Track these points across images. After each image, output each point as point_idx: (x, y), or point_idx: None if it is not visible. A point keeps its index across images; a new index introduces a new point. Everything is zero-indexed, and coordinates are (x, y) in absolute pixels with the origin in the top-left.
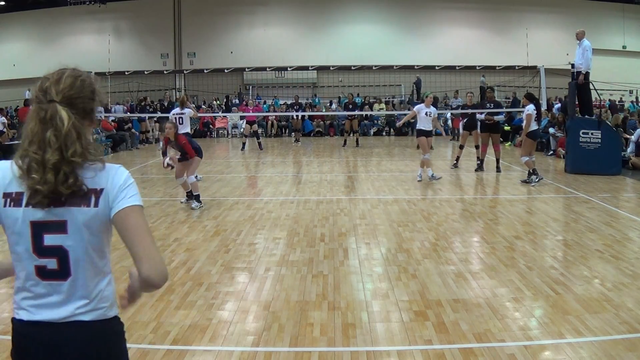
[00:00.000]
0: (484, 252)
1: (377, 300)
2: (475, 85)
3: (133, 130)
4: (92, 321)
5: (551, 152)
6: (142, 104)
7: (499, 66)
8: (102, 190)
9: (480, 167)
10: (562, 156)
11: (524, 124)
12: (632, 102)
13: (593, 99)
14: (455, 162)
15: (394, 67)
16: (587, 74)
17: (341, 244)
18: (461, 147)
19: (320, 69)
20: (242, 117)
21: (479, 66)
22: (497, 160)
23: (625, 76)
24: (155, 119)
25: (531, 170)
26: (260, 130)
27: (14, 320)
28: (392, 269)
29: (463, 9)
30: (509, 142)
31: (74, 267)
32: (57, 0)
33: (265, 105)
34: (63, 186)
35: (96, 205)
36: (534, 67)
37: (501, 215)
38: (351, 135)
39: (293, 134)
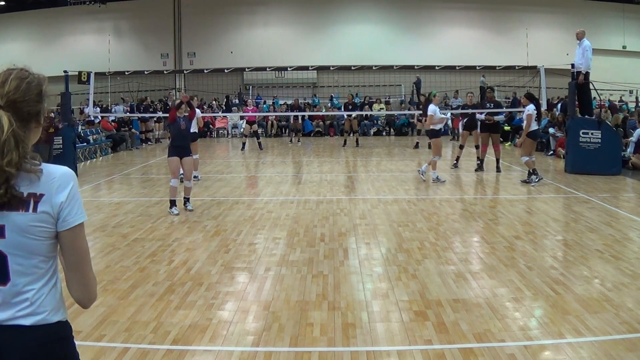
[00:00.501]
0: (484, 252)
1: (377, 300)
2: (475, 85)
3: (133, 130)
4: (32, 326)
5: (551, 152)
6: (144, 104)
7: (499, 66)
8: (42, 195)
9: (480, 167)
10: (562, 156)
11: (524, 124)
12: (627, 102)
13: (593, 99)
14: (455, 162)
15: (394, 67)
16: (587, 74)
17: (341, 244)
18: (461, 147)
19: (320, 69)
20: (242, 117)
21: (479, 66)
22: (497, 160)
23: (625, 76)
24: (155, 118)
25: (531, 170)
26: (260, 130)
27: None
28: (392, 269)
29: (463, 9)
30: (509, 142)
31: (13, 272)
32: (57, 0)
33: (265, 105)
34: None
35: (35, 210)
36: (534, 67)
37: (501, 215)
38: (351, 135)
39: (292, 133)
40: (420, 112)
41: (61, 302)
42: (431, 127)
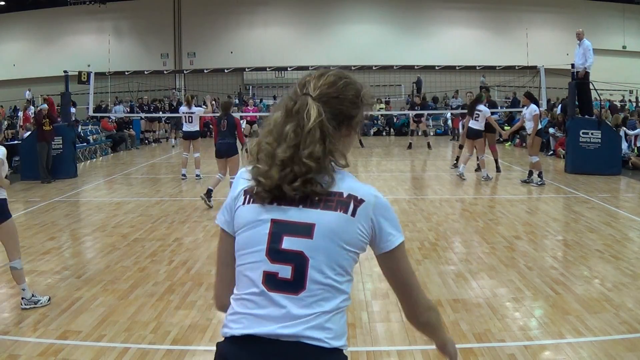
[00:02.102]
0: (484, 252)
1: (377, 300)
2: (475, 85)
3: (132, 130)
4: (308, 345)
5: (551, 152)
6: (154, 104)
7: (499, 66)
8: (362, 200)
9: (480, 168)
10: (562, 156)
11: (527, 124)
12: (627, 101)
13: (593, 99)
14: (455, 162)
15: (394, 67)
16: (587, 74)
17: None
18: (461, 147)
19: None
20: (242, 117)
21: (479, 66)
22: (496, 161)
23: (625, 76)
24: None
25: (538, 172)
26: (260, 130)
27: (219, 343)
28: None
29: (463, 9)
30: (509, 142)
31: (310, 281)
32: (57, 0)
33: (263, 103)
34: (288, 186)
35: (354, 214)
36: (534, 67)
37: (501, 215)
38: None
39: None
40: (414, 112)
41: (345, 328)
42: (478, 127)
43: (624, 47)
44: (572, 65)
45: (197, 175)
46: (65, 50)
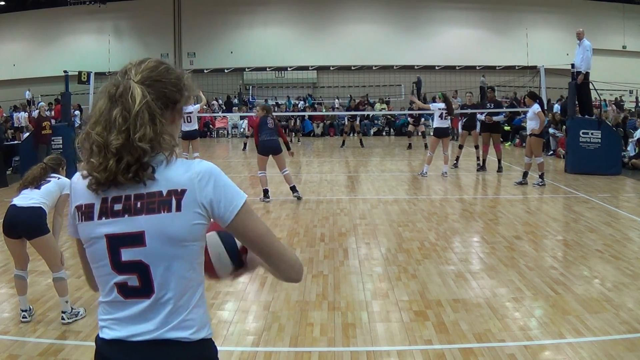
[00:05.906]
0: (484, 252)
1: (377, 300)
2: (475, 85)
3: None
4: (173, 341)
5: (551, 152)
6: None
7: (499, 66)
8: (184, 191)
9: (482, 167)
10: (562, 156)
11: (528, 124)
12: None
13: (593, 99)
14: (455, 162)
15: (394, 67)
16: (587, 74)
17: (341, 244)
18: (460, 147)
19: (320, 69)
20: (242, 117)
21: (479, 66)
22: (499, 161)
23: (625, 76)
24: None
25: (540, 173)
26: None
27: (97, 342)
28: (392, 269)
29: (463, 9)
30: (509, 142)
31: (157, 283)
32: (57, 0)
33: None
34: (123, 176)
35: (178, 209)
36: (534, 67)
37: (501, 215)
38: (351, 135)
39: (292, 133)
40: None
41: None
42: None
43: (624, 47)
44: (572, 65)
45: None
46: (65, 50)
